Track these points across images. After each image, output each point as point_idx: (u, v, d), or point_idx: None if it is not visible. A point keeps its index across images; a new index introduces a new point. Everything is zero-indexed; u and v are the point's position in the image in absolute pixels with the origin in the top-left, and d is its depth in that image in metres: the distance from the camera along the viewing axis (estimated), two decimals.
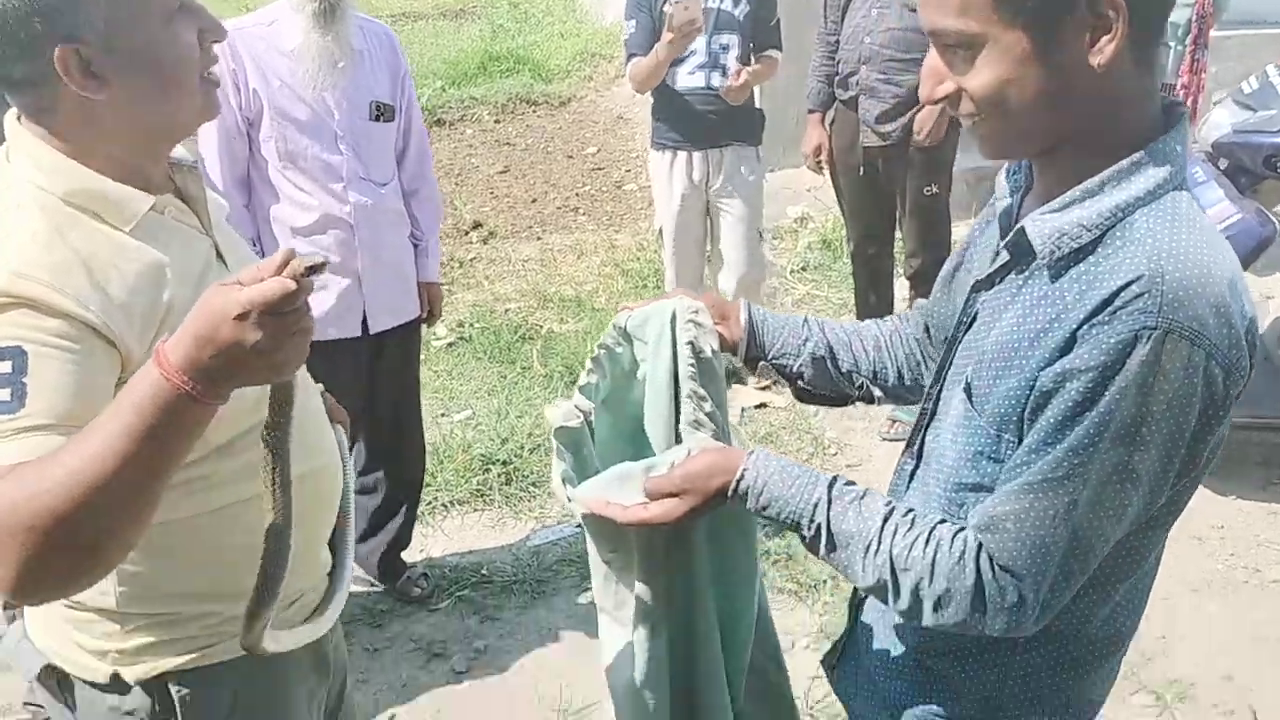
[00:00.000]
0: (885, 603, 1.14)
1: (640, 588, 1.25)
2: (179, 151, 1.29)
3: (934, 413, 1.27)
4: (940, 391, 1.26)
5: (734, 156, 3.87)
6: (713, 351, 1.32)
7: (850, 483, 1.18)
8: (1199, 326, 0.99)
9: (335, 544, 1.45)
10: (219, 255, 1.29)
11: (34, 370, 1.02)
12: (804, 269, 5.36)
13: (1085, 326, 1.02)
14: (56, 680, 1.31)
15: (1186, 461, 1.07)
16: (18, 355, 1.01)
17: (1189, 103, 4.61)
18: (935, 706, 1.31)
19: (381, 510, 3.08)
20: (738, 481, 1.17)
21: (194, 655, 1.27)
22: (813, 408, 4.60)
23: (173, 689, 1.27)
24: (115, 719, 1.28)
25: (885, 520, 1.13)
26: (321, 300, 2.67)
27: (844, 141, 3.98)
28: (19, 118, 1.18)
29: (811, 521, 1.15)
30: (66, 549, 0.94)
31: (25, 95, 1.14)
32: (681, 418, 1.27)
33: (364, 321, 2.78)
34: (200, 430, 0.99)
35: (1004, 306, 1.15)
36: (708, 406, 1.26)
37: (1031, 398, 1.07)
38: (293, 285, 0.93)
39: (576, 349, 4.44)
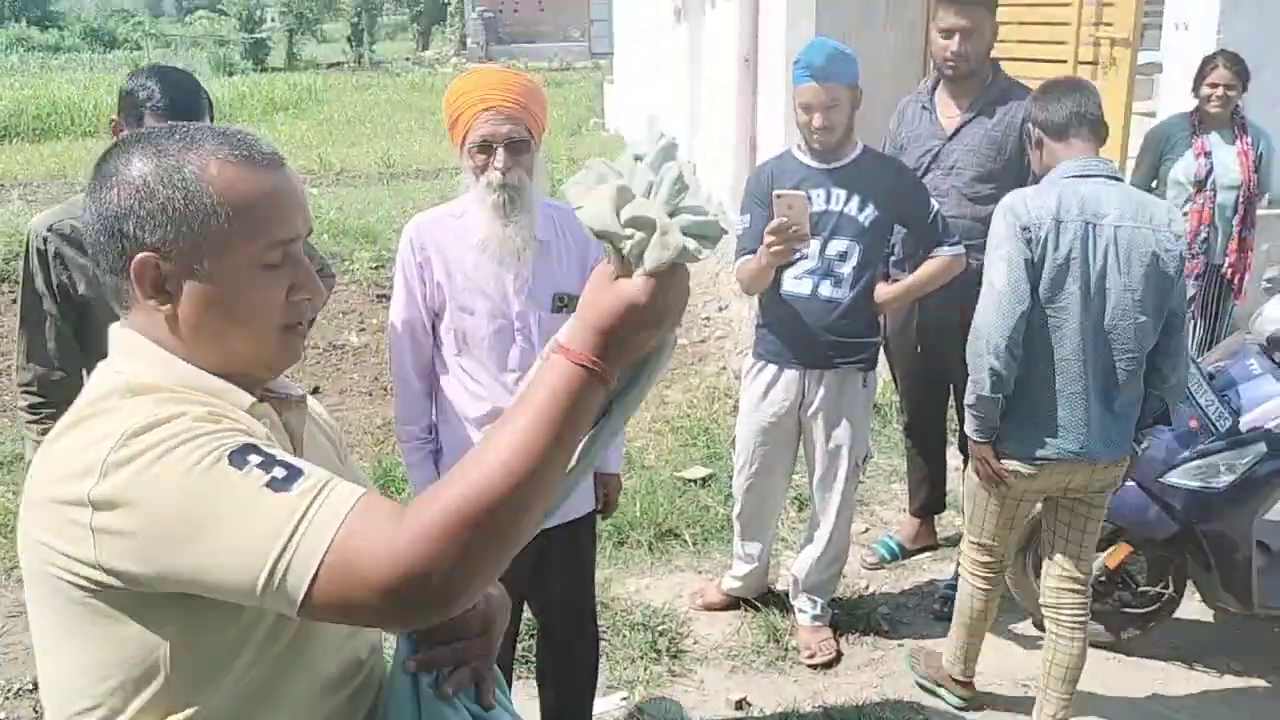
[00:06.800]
0: None
1: None
2: (285, 384, 1.28)
3: None
4: None
5: (840, 379, 3.32)
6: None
7: None
8: None
9: None
10: None
11: (271, 449, 1.06)
12: None
13: None
14: None
15: None
16: (252, 448, 1.04)
17: (1235, 281, 4.64)
18: None
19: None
20: None
21: None
22: None
23: None
24: None
25: None
26: None
27: (897, 323, 3.86)
28: (122, 324, 1.20)
29: None
30: (495, 542, 1.01)
31: (115, 296, 1.18)
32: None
33: None
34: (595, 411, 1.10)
35: None
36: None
37: None
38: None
39: (626, 508, 4.23)
